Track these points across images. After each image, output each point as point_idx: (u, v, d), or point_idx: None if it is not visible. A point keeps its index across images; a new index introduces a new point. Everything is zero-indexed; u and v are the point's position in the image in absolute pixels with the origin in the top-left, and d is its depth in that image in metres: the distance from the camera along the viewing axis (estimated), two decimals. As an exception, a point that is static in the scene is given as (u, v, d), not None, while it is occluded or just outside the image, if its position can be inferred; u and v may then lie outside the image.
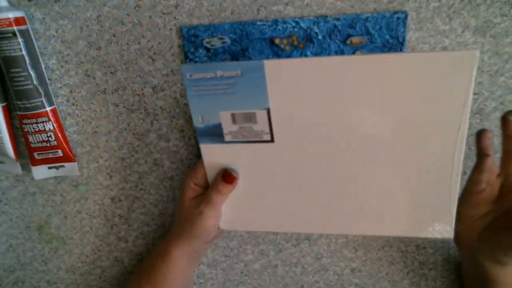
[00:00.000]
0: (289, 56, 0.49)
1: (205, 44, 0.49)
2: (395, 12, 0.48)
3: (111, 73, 0.52)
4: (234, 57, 0.50)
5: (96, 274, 0.60)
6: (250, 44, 0.49)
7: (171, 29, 0.50)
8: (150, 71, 0.51)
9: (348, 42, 0.49)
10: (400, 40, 0.49)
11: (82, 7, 0.49)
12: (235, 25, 0.48)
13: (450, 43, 0.50)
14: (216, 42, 0.49)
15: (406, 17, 0.48)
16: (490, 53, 0.50)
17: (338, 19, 0.48)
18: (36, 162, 0.53)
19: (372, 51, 0.49)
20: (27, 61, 0.47)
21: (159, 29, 0.50)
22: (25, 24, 0.47)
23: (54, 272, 0.60)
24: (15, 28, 0.46)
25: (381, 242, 0.57)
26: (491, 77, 0.51)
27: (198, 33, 0.49)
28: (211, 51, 0.49)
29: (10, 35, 0.46)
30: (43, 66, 0.50)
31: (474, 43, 0.50)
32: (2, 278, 0.61)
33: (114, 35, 0.50)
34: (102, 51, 0.51)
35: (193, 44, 0.49)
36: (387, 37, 0.49)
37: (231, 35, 0.49)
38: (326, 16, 0.48)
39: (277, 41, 0.49)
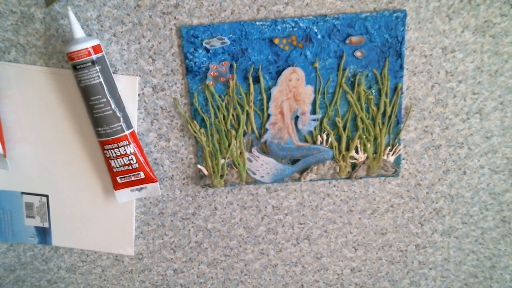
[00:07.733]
0: (288, 56, 0.49)
1: (204, 44, 0.49)
2: (394, 11, 0.48)
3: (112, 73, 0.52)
4: (234, 57, 0.50)
5: (96, 274, 0.60)
6: (250, 44, 0.49)
7: (171, 29, 0.50)
8: (150, 71, 0.51)
9: (347, 41, 0.49)
10: (399, 39, 0.49)
11: (82, 7, 0.49)
12: (234, 26, 0.49)
13: (450, 43, 0.50)
14: (215, 43, 0.49)
15: (405, 16, 0.48)
16: (490, 53, 0.50)
17: (337, 19, 0.48)
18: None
19: (372, 50, 0.49)
20: (105, 88, 0.48)
21: (159, 29, 0.50)
22: (101, 51, 0.48)
23: (55, 271, 0.60)
24: (93, 56, 0.47)
25: (381, 242, 0.57)
26: (491, 76, 0.51)
27: (198, 33, 0.49)
28: (211, 51, 0.49)
29: (89, 64, 0.47)
30: (118, 90, 0.50)
31: (474, 43, 0.50)
32: (2, 277, 0.61)
33: (114, 35, 0.50)
34: (102, 51, 0.51)
35: (192, 44, 0.49)
36: (386, 36, 0.49)
37: (230, 35, 0.49)
38: (325, 16, 0.48)
39: (276, 41, 0.49)
